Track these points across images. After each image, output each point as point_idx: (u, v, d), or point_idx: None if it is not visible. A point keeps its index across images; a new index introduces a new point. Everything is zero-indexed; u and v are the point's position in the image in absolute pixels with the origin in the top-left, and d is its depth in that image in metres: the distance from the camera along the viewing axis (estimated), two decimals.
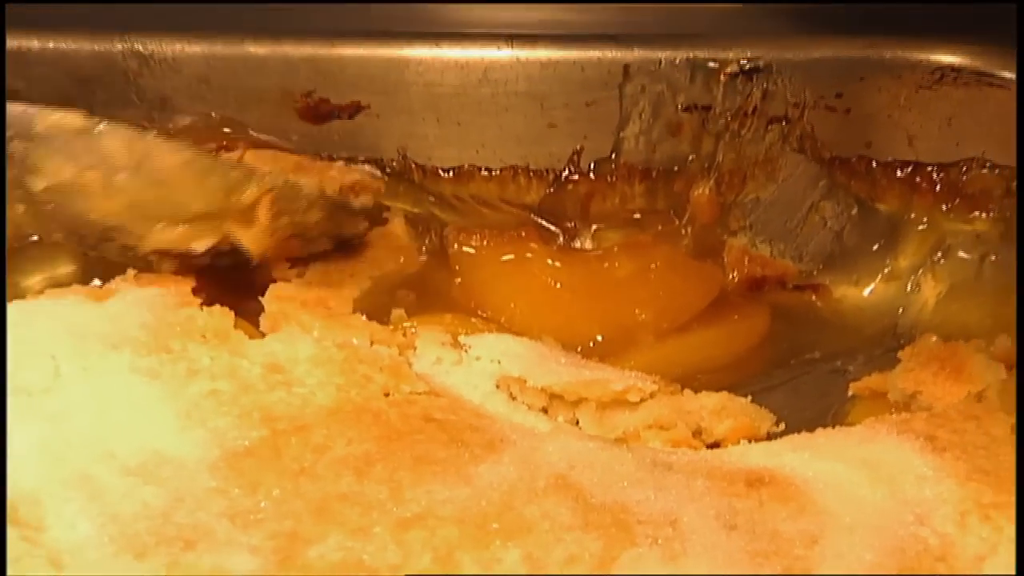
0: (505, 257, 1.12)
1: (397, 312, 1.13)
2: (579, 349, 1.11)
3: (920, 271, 1.09)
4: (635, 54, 1.09)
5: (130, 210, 1.07)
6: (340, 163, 1.15)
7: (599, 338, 1.10)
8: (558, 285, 1.10)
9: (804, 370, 1.09)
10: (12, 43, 1.13)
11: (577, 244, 1.13)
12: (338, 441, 1.01)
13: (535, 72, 1.08)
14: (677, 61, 1.09)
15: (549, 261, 1.11)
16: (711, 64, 1.07)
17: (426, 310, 1.14)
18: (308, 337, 1.06)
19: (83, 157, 1.05)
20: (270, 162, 1.12)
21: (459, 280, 1.15)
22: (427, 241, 1.16)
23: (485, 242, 1.11)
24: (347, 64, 1.10)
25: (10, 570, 0.94)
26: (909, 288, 1.09)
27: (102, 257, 1.13)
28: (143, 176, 1.06)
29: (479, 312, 1.14)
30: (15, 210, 1.07)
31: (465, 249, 1.13)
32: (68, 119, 1.05)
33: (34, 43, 1.13)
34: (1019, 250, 1.00)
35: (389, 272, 1.17)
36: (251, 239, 1.06)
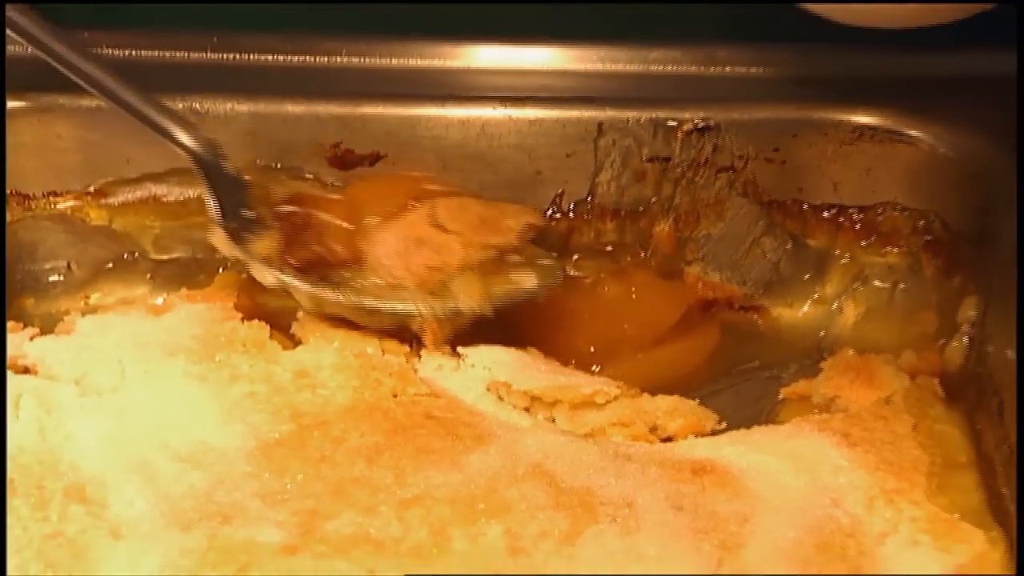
0: None
1: None
2: (574, 360, 1.12)
3: (843, 296, 1.09)
4: (607, 114, 1.10)
5: None
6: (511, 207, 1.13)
7: (592, 349, 1.09)
8: (559, 307, 1.09)
9: (745, 377, 1.09)
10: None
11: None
12: (353, 434, 1.01)
13: (524, 128, 1.08)
14: (642, 120, 1.09)
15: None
16: (671, 123, 1.07)
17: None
18: (331, 347, 1.06)
19: None
20: (459, 216, 1.11)
21: None
22: None
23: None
24: (369, 120, 1.10)
25: (78, 539, 0.94)
26: (833, 310, 1.09)
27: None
28: None
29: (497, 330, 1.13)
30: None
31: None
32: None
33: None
34: (1019, 254, 0.97)
35: None
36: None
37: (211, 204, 1.07)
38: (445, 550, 0.94)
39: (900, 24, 1.11)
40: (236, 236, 1.08)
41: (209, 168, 1.08)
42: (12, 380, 1.05)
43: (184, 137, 1.07)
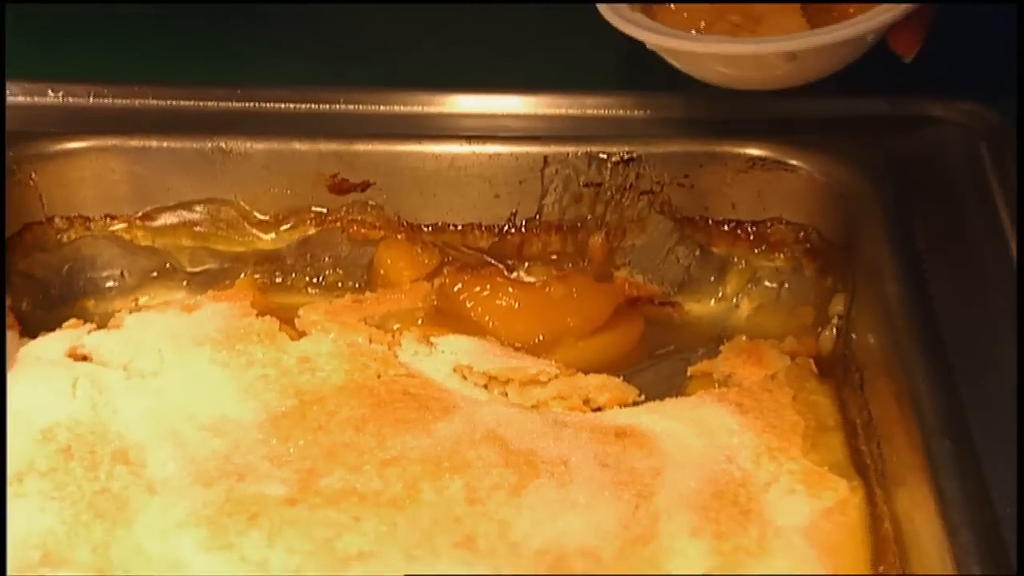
0: (478, 287, 1.11)
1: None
2: (522, 345, 1.12)
3: (739, 294, 1.09)
4: (551, 149, 1.10)
5: None
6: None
7: (541, 337, 1.09)
8: (516, 304, 1.09)
9: (661, 359, 1.10)
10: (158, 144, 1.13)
11: (514, 276, 1.12)
12: (344, 408, 1.01)
13: (485, 161, 1.09)
14: (579, 154, 1.09)
15: (509, 289, 1.10)
16: (602, 155, 1.08)
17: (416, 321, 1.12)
18: (328, 338, 1.07)
19: None
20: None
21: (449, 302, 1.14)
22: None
23: (466, 278, 1.11)
24: (360, 155, 1.11)
25: (121, 494, 0.94)
26: (732, 305, 1.10)
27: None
28: None
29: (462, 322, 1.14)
30: None
31: (455, 283, 1.12)
32: None
33: (152, 143, 1.11)
34: (1019, 247, 1.02)
35: None
36: None
37: None
38: (416, 501, 0.95)
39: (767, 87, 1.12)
40: None
41: None
42: (71, 366, 1.05)
43: None
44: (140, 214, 1.14)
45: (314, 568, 0.90)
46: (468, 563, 0.90)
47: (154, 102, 1.19)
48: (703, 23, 1.11)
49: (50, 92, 1.20)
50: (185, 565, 0.90)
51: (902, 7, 1.05)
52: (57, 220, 1.14)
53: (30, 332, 1.10)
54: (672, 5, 1.13)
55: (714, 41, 1.08)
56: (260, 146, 1.14)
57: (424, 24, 1.36)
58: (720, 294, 1.14)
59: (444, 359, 1.08)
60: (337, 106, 1.16)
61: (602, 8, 1.10)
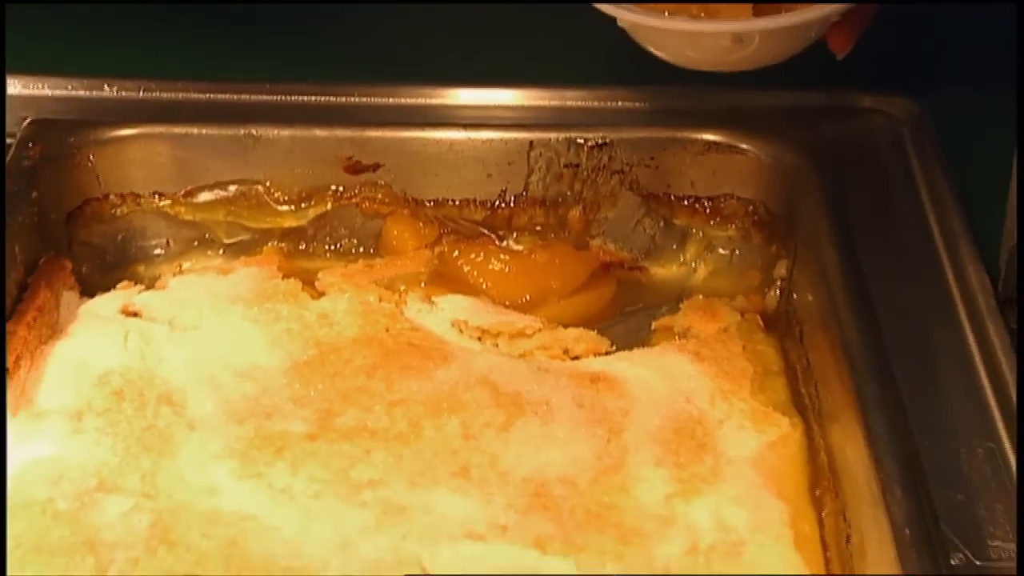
0: (473, 254, 1.11)
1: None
2: (511, 304, 1.12)
3: (697, 260, 1.10)
4: (536, 135, 1.10)
5: None
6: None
7: (528, 297, 1.09)
8: (506, 269, 1.09)
9: (631, 316, 1.10)
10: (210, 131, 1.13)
11: (504, 244, 1.12)
12: (357, 357, 1.01)
13: (479, 145, 1.08)
14: (560, 139, 1.09)
15: (501, 256, 1.10)
16: (579, 140, 1.08)
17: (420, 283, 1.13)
18: (343, 297, 1.06)
19: None
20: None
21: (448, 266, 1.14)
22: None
23: (463, 246, 1.11)
24: (371, 141, 1.10)
25: (165, 431, 0.94)
26: (691, 269, 1.10)
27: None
28: None
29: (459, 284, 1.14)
30: None
31: (454, 251, 1.12)
32: None
33: (193, 130, 1.11)
34: (1019, 237, 0.97)
35: None
36: None
37: None
38: (419, 436, 0.95)
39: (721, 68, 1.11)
40: None
41: None
42: (123, 321, 1.05)
43: None
44: (183, 192, 1.13)
45: (331, 494, 0.90)
46: (463, 490, 0.90)
47: (194, 95, 1.19)
48: (667, 12, 1.10)
49: (106, 87, 1.20)
50: (220, 491, 0.90)
51: (837, 6, 1.05)
52: (112, 197, 1.13)
53: (88, 292, 1.09)
54: None
55: (672, 20, 1.08)
56: (285, 133, 1.13)
57: (428, 23, 1.36)
58: (681, 260, 1.14)
59: (443, 315, 1.08)
60: (351, 98, 1.16)
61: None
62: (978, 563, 0.79)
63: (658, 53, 1.12)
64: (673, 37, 1.10)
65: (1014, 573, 0.78)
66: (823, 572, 0.86)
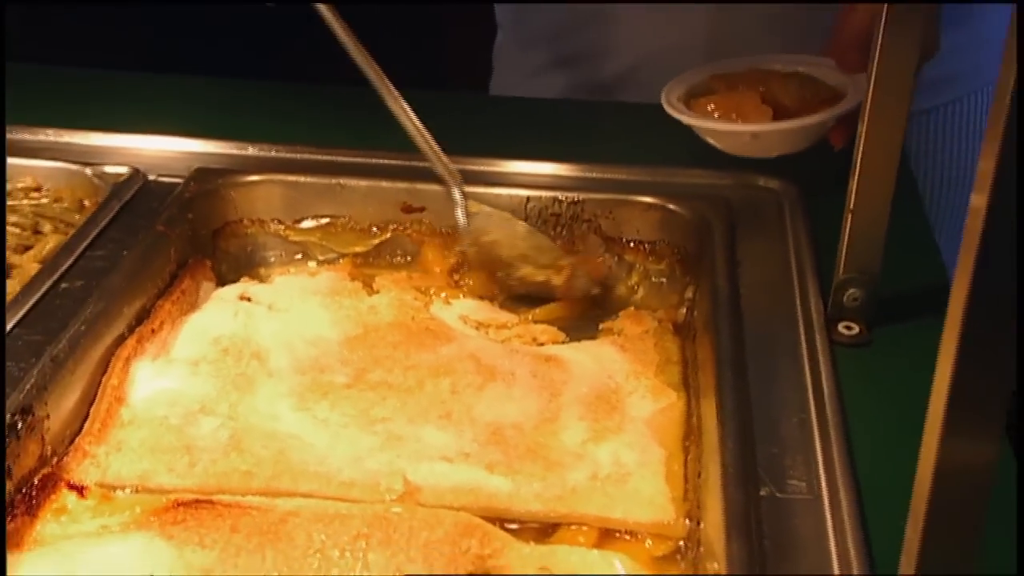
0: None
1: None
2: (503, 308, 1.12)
3: (638, 285, 1.11)
4: (531, 192, 1.14)
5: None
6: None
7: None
8: None
9: (588, 319, 1.11)
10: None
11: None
12: (389, 335, 1.03)
13: (492, 198, 1.12)
14: (547, 196, 1.13)
15: (497, 275, 1.14)
16: (560, 198, 1.11)
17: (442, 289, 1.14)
18: (389, 295, 1.08)
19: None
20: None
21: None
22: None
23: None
24: (420, 191, 1.14)
25: (253, 377, 0.97)
26: (633, 290, 1.11)
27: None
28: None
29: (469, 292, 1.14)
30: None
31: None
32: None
33: (300, 178, 1.14)
34: (1019, 239, 0.97)
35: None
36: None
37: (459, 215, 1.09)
38: (421, 390, 0.97)
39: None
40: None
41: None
42: (238, 303, 1.07)
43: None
44: (291, 220, 1.17)
45: (354, 424, 0.92)
46: (444, 428, 0.93)
47: (302, 155, 1.23)
48: (717, 114, 1.16)
49: (249, 148, 1.25)
50: (279, 418, 0.93)
51: (832, 115, 1.10)
52: (244, 221, 1.17)
53: (222, 283, 1.13)
54: (701, 100, 1.18)
55: (708, 120, 1.15)
56: (362, 183, 1.16)
57: (456, 114, 1.36)
58: (628, 284, 1.15)
59: (454, 311, 1.09)
60: (407, 162, 1.17)
61: (664, 103, 1.17)
62: (778, 495, 0.79)
63: (704, 138, 1.17)
64: (709, 133, 1.16)
65: (804, 498, 0.78)
66: (682, 497, 0.86)
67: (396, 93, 1.07)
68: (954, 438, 0.54)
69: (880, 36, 0.86)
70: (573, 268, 1.10)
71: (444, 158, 1.10)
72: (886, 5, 0.85)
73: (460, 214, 1.10)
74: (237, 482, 0.86)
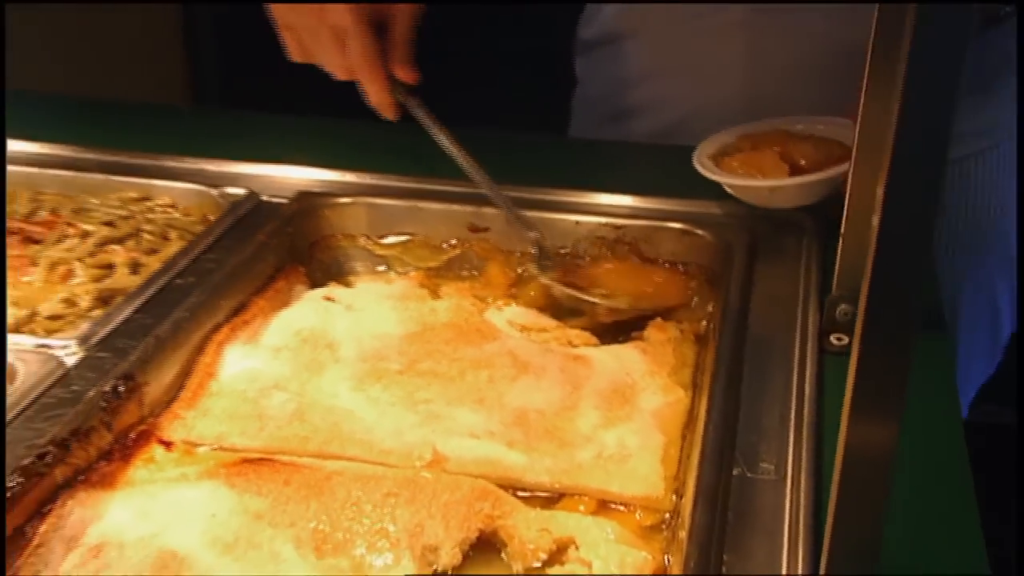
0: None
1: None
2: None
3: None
4: (580, 217, 1.21)
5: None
6: None
7: None
8: None
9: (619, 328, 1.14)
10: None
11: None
12: (443, 333, 1.11)
13: (545, 222, 1.20)
14: (595, 221, 1.20)
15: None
16: (605, 223, 1.18)
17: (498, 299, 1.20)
18: (451, 300, 1.15)
19: None
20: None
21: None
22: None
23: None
24: (485, 214, 1.21)
25: (323, 361, 1.06)
26: None
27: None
28: None
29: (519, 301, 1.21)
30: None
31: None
32: None
33: (385, 201, 1.22)
34: (1019, 242, 1.03)
35: None
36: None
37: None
38: (462, 379, 1.04)
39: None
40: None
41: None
42: (322, 302, 1.16)
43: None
44: (376, 236, 1.26)
45: (401, 404, 1.01)
46: (476, 411, 1.00)
47: (385, 181, 1.32)
48: (741, 170, 1.22)
49: (344, 175, 1.35)
50: (338, 396, 1.02)
51: (841, 171, 1.15)
52: (336, 235, 1.27)
53: (314, 286, 1.22)
54: (726, 160, 1.25)
55: (730, 177, 1.21)
56: (436, 206, 1.25)
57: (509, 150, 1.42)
58: None
59: (504, 316, 1.16)
60: (476, 189, 1.23)
61: (695, 162, 1.23)
62: (748, 474, 0.85)
63: (731, 192, 1.24)
64: (732, 187, 1.23)
65: (770, 479, 0.83)
66: (673, 477, 0.92)
67: (476, 164, 1.17)
68: (858, 425, 0.60)
69: (863, 94, 0.92)
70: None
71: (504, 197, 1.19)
72: (867, 64, 0.90)
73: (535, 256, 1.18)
74: (295, 445, 0.96)
